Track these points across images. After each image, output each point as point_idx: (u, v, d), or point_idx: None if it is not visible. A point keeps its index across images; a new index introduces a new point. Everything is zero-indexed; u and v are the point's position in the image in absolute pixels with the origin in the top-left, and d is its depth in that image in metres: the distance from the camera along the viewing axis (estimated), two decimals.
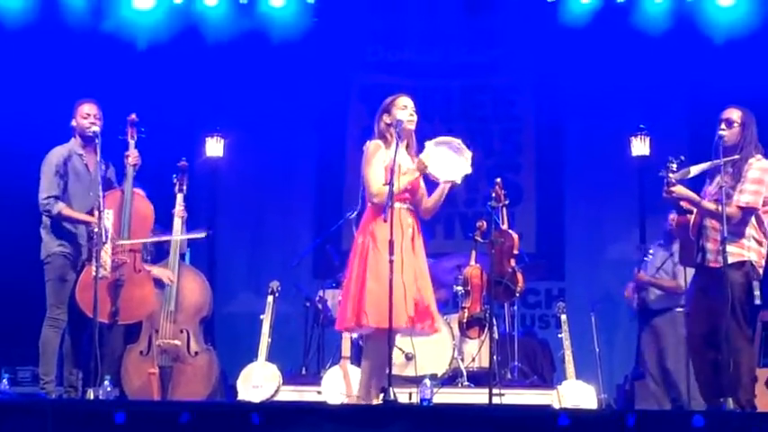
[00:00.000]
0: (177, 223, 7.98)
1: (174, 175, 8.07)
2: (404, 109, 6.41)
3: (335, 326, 6.89)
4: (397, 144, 6.27)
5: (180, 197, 8.04)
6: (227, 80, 10.95)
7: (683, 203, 6.56)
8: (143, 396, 7.55)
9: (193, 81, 10.77)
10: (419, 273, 6.37)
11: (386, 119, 6.43)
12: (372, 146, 6.43)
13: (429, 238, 6.63)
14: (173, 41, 10.61)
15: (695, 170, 6.53)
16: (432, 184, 6.49)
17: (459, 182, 6.37)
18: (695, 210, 6.55)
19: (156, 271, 7.78)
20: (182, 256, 8.20)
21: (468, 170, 6.34)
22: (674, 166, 6.46)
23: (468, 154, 6.35)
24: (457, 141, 6.37)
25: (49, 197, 7.14)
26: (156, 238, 7.90)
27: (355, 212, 7.09)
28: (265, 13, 10.92)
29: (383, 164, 6.33)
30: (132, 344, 7.74)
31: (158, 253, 8.17)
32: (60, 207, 7.12)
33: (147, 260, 7.86)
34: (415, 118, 6.42)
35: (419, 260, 6.42)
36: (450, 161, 6.33)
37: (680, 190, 6.47)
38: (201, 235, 8.07)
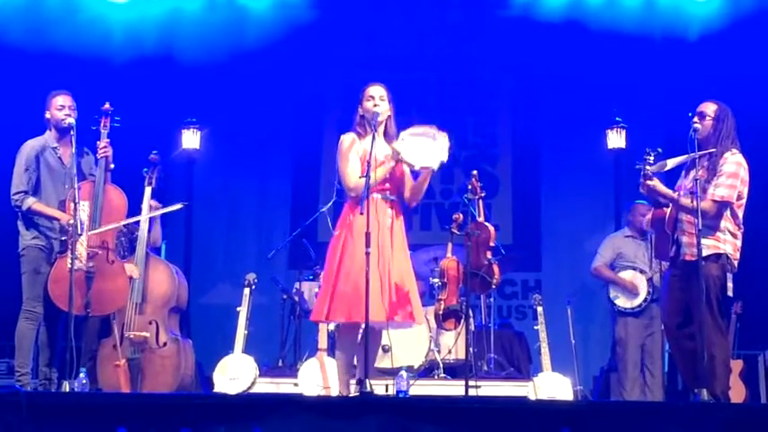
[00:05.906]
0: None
1: (145, 169, 7.88)
2: (370, 100, 6.38)
3: (310, 317, 6.81)
4: (374, 135, 6.24)
5: (148, 191, 7.85)
6: (205, 72, 10.89)
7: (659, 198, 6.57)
8: (115, 389, 7.50)
9: (170, 73, 10.70)
10: (398, 263, 6.32)
11: (360, 110, 6.41)
12: (346, 139, 6.39)
13: (406, 230, 6.58)
14: (149, 34, 10.57)
15: (672, 163, 6.53)
16: (416, 172, 6.45)
17: (435, 167, 6.29)
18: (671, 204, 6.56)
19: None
20: (157, 250, 8.16)
21: (445, 156, 6.26)
22: (651, 158, 6.46)
23: (445, 140, 6.26)
24: (433, 130, 6.29)
25: (18, 192, 7.10)
26: (131, 219, 7.71)
27: (329, 204, 7.03)
28: (243, 5, 10.89)
29: (358, 156, 6.31)
30: (106, 338, 7.68)
31: (131, 249, 8.04)
32: (30, 202, 7.09)
33: (124, 255, 7.82)
34: (382, 108, 6.35)
35: (398, 251, 6.36)
36: (425, 148, 6.25)
37: (656, 185, 6.48)
38: (178, 207, 7.94)
